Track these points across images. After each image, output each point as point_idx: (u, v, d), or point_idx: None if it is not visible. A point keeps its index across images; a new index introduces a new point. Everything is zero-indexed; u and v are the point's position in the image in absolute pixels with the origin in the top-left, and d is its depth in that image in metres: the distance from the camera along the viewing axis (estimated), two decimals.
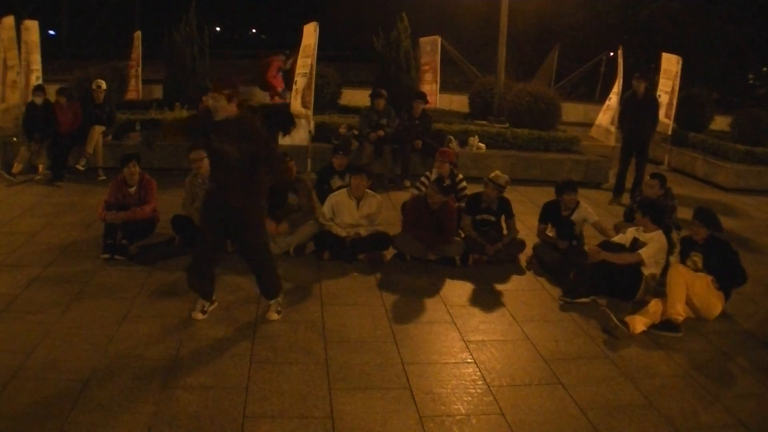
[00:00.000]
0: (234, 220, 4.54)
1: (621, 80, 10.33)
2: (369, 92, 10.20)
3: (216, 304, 4.86)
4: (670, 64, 11.59)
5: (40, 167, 8.77)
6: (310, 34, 9.50)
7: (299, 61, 9.63)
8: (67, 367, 3.94)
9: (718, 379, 4.24)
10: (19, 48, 9.44)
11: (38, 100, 8.87)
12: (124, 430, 3.37)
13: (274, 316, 4.75)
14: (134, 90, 11.99)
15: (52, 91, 9.41)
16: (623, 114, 9.24)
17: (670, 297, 4.92)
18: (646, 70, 11.83)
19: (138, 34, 12.25)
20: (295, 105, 9.65)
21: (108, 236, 5.87)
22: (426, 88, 13.00)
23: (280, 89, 13.17)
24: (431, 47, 13.67)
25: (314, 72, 9.32)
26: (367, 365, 4.17)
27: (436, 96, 14.00)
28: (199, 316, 4.69)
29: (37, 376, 3.83)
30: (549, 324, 4.97)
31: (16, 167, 8.59)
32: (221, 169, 4.49)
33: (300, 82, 9.59)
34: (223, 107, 4.32)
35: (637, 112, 8.86)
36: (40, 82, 9.83)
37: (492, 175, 6.37)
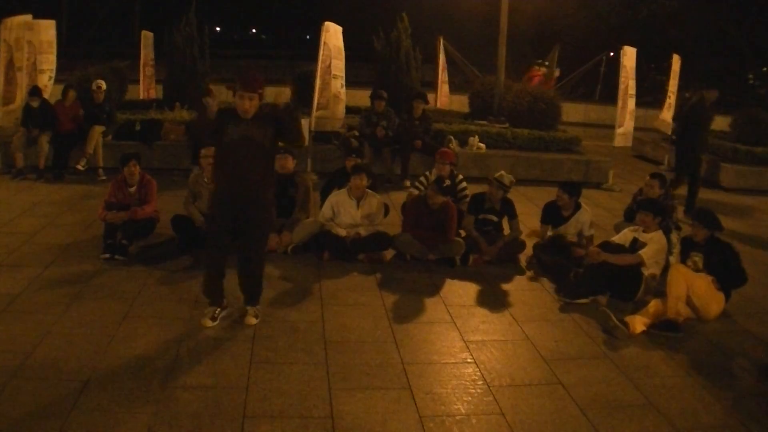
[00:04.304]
0: (243, 215, 4.44)
1: (633, 82, 10.22)
2: (369, 92, 10.21)
3: (227, 309, 4.74)
4: (674, 63, 11.64)
5: (41, 161, 8.78)
6: (336, 36, 9.65)
7: (333, 63, 9.66)
8: (67, 367, 3.94)
9: (718, 379, 4.24)
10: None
11: (34, 104, 8.86)
12: (124, 430, 3.37)
13: (253, 320, 4.63)
14: (147, 90, 12.23)
15: (55, 90, 9.44)
16: (689, 125, 8.65)
17: (671, 297, 4.92)
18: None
19: (144, 33, 12.43)
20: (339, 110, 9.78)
21: (108, 236, 5.87)
22: (440, 87, 13.12)
23: None
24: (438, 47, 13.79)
25: (320, 73, 9.40)
26: (367, 365, 4.16)
27: (447, 97, 13.99)
28: (209, 323, 4.56)
29: (37, 376, 3.82)
30: (549, 324, 4.96)
31: (17, 159, 8.68)
32: (239, 161, 4.36)
33: (334, 84, 9.68)
34: (255, 106, 4.32)
35: (705, 122, 8.60)
36: (51, 82, 9.86)
37: (497, 174, 6.37)
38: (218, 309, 4.67)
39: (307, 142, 9.49)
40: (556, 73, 12.71)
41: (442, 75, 14.50)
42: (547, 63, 13.42)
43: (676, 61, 11.71)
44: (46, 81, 9.81)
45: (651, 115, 12.85)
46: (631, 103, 10.31)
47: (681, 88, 12.23)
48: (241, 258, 4.62)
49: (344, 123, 9.96)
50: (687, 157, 8.66)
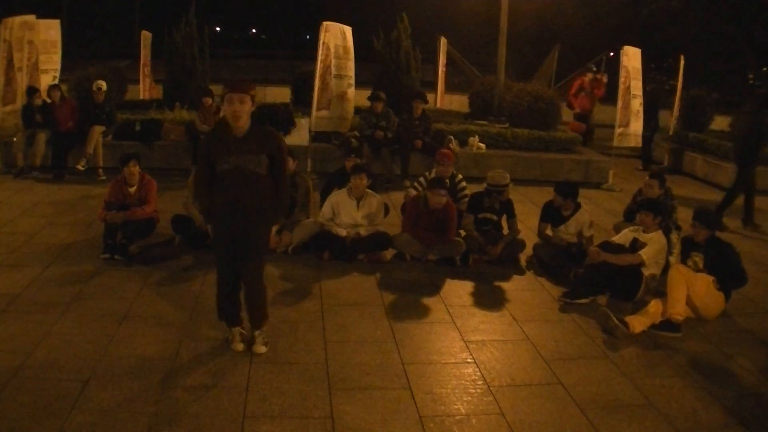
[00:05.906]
0: (241, 239, 4.05)
1: (637, 83, 10.18)
2: (369, 92, 10.20)
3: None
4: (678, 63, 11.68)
5: (37, 159, 8.79)
6: (343, 36, 9.66)
7: (338, 63, 9.67)
8: (67, 367, 3.94)
9: (718, 379, 4.24)
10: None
11: (37, 102, 8.89)
12: (124, 430, 3.37)
13: (262, 349, 4.23)
14: (147, 89, 12.25)
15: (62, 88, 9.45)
16: (755, 141, 8.04)
17: (671, 297, 4.92)
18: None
19: (144, 33, 12.44)
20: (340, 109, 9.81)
21: (108, 236, 5.87)
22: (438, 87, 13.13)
23: (578, 110, 12.32)
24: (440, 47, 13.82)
25: (320, 73, 9.41)
26: (367, 365, 4.16)
27: (436, 95, 14.01)
28: (241, 346, 4.24)
29: (37, 376, 3.82)
30: (549, 324, 4.96)
31: (19, 159, 8.72)
32: (234, 192, 3.99)
33: (339, 84, 9.70)
34: (247, 112, 3.91)
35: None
36: (56, 82, 9.87)
37: (491, 181, 6.24)
38: (239, 328, 4.32)
39: (306, 143, 9.53)
40: (604, 78, 12.43)
41: (441, 75, 14.54)
42: (594, 68, 13.22)
43: (681, 62, 11.75)
44: (50, 81, 9.81)
45: None
46: (635, 103, 10.29)
47: (682, 89, 12.22)
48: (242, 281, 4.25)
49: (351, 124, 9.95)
50: (748, 172, 8.18)
